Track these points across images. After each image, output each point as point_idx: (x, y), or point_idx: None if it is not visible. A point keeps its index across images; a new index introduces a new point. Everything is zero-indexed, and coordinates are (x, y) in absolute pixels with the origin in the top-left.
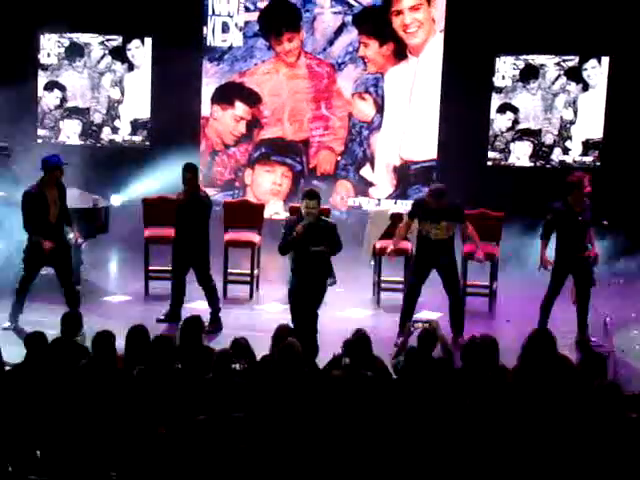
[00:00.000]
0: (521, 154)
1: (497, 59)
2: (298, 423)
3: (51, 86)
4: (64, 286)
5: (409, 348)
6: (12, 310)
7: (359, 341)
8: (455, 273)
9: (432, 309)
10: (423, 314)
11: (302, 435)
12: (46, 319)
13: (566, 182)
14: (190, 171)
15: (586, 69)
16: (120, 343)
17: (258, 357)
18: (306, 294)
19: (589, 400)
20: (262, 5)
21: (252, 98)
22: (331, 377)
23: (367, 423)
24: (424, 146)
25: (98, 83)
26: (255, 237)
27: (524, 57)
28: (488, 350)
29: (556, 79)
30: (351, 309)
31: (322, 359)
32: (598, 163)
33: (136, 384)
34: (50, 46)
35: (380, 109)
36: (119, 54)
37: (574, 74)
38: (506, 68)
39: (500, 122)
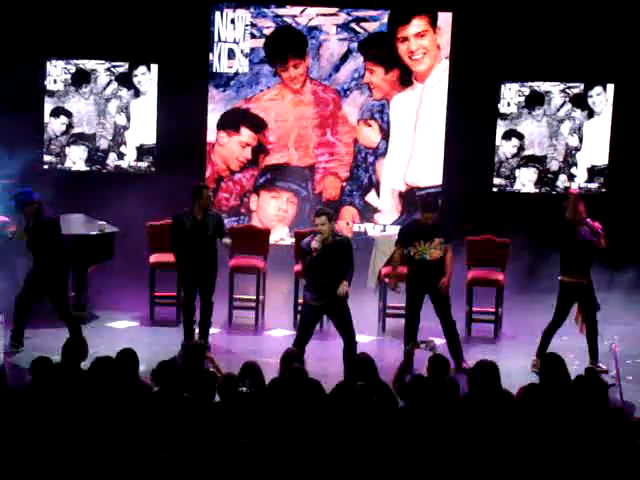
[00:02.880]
0: (526, 180)
1: (502, 86)
2: (305, 448)
3: (57, 112)
4: (60, 314)
5: (416, 375)
6: (14, 333)
7: (362, 363)
8: (446, 296)
9: (433, 335)
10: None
11: (310, 460)
12: (52, 344)
13: None
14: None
15: (591, 96)
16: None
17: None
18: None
19: (596, 426)
20: (268, 32)
21: (258, 124)
22: (338, 402)
23: (374, 448)
24: (429, 172)
25: (104, 109)
26: (260, 263)
27: (529, 84)
28: (490, 375)
29: (561, 106)
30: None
31: (326, 384)
32: (603, 189)
33: (143, 409)
34: (56, 72)
35: (385, 135)
36: (125, 80)
37: (579, 101)
38: (511, 95)
39: (505, 148)
